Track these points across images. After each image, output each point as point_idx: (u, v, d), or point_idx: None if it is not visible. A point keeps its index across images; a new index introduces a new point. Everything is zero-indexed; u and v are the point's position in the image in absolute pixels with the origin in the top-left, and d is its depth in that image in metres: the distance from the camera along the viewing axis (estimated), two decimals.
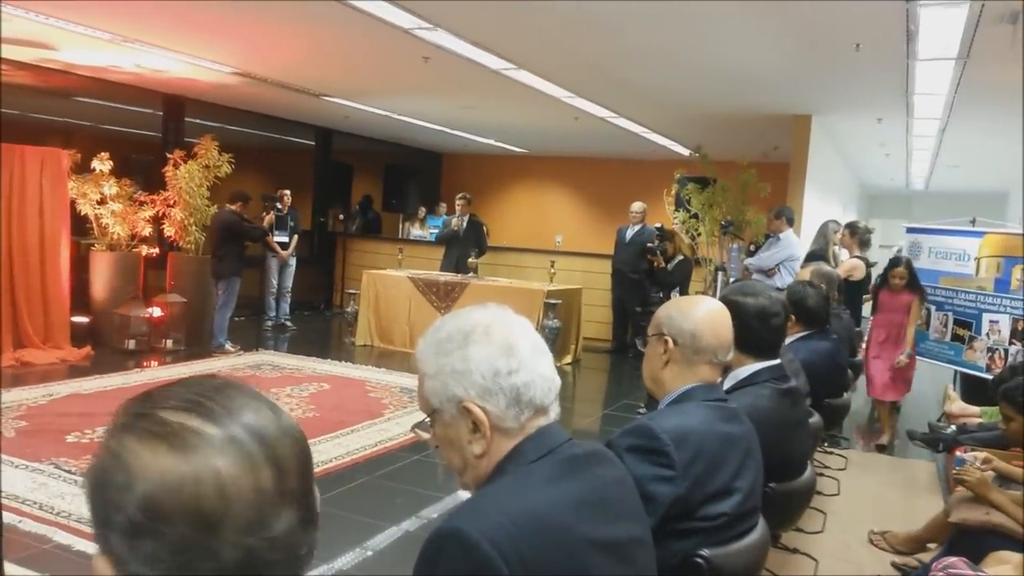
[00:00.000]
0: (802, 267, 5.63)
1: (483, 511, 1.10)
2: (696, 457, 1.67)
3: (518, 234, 13.00)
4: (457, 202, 9.57)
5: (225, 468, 0.65)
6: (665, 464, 1.64)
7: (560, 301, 8.04)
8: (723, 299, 2.42)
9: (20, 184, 6.90)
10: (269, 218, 9.13)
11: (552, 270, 8.89)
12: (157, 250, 8.10)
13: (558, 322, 7.89)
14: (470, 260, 9.28)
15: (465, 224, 9.48)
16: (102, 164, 7.56)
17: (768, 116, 8.06)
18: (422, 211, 12.36)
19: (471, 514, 1.10)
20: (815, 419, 2.98)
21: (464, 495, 1.24)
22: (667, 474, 1.63)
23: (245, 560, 0.65)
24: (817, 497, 3.98)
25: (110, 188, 7.55)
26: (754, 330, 2.35)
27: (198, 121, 9.72)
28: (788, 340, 3.54)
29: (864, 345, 5.97)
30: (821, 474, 4.36)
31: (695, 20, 4.95)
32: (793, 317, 3.55)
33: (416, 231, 12.06)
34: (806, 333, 3.72)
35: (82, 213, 7.53)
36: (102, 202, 7.55)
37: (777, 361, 2.42)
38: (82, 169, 7.55)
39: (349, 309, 9.00)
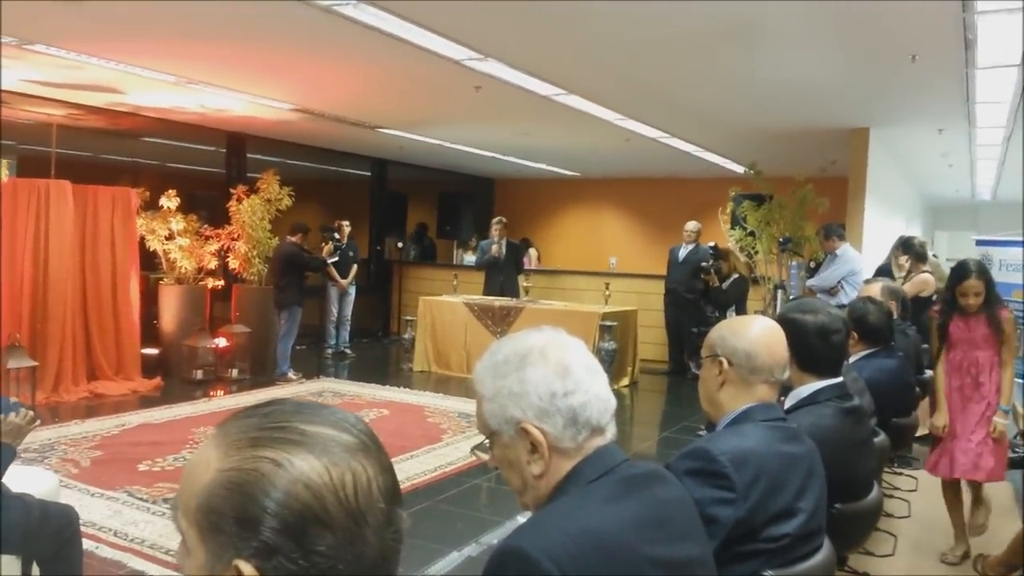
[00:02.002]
0: (867, 283, 5.42)
1: (543, 530, 1.12)
2: (756, 478, 1.65)
3: (572, 257, 13.01)
4: (494, 227, 9.62)
5: (367, 469, 0.72)
6: (725, 486, 1.62)
7: (616, 323, 8.01)
8: (782, 317, 2.40)
9: (93, 222, 7.22)
10: (328, 248, 9.33)
11: (607, 292, 8.87)
12: (222, 282, 8.35)
13: (614, 344, 7.85)
14: (524, 283, 9.32)
15: (504, 249, 9.53)
16: (169, 201, 7.86)
17: (824, 130, 7.94)
18: (474, 239, 12.49)
19: (532, 533, 1.12)
20: (881, 439, 2.90)
21: (524, 519, 1.26)
22: (727, 496, 1.62)
23: (380, 552, 0.72)
24: (887, 519, 3.87)
25: (177, 224, 7.84)
26: (814, 348, 2.32)
27: (259, 157, 10.03)
28: (852, 359, 3.48)
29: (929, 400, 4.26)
30: (890, 496, 4.23)
31: (746, 37, 4.93)
32: (855, 335, 3.48)
33: (469, 257, 12.16)
34: (871, 351, 3.64)
35: (151, 248, 7.83)
36: (170, 237, 7.84)
37: (839, 379, 2.38)
38: (150, 206, 7.87)
39: (406, 335, 9.12)
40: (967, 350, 3.83)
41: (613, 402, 1.27)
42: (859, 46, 5.12)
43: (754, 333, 1.84)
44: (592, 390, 1.24)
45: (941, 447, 3.85)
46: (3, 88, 6.88)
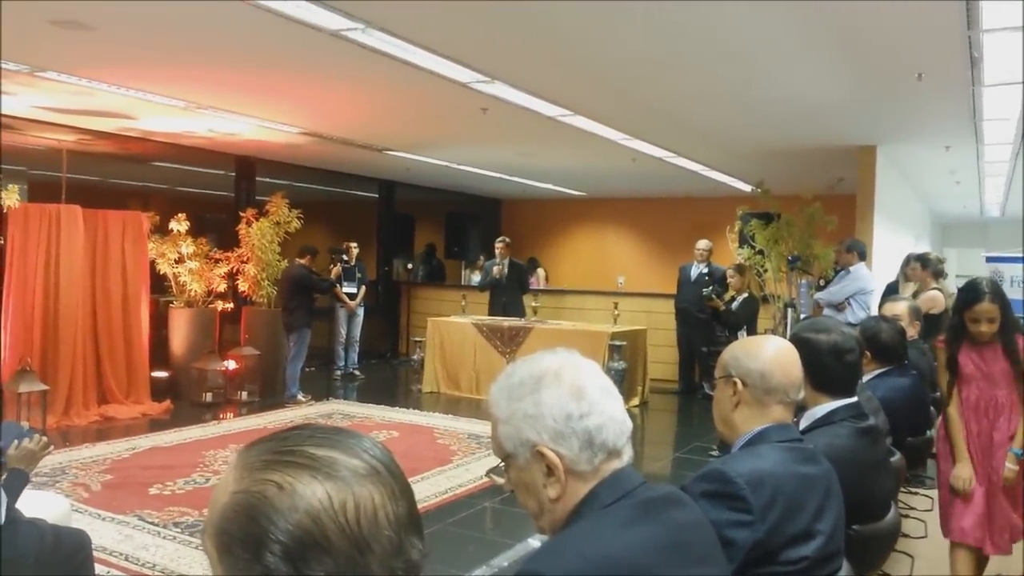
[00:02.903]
0: (883, 301, 5.31)
1: (562, 555, 1.11)
2: (773, 500, 1.63)
3: (580, 277, 13.01)
4: (497, 247, 9.69)
5: (374, 495, 0.71)
6: (742, 508, 1.61)
7: (625, 343, 7.99)
8: (794, 336, 2.39)
9: (103, 246, 7.26)
10: (336, 270, 9.34)
11: (616, 311, 8.84)
12: (232, 305, 8.37)
13: (624, 364, 7.82)
14: (532, 304, 9.33)
15: (507, 269, 9.57)
16: (179, 225, 7.91)
17: (831, 148, 7.94)
18: (481, 259, 12.51)
19: (550, 557, 1.11)
20: (897, 458, 2.87)
21: (535, 543, 1.25)
22: (744, 519, 1.60)
23: None
24: (904, 540, 3.81)
25: (187, 247, 7.88)
26: (829, 367, 2.30)
27: (268, 180, 10.10)
28: (866, 378, 3.44)
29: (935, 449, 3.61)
30: (906, 515, 4.18)
31: (752, 56, 4.95)
32: (868, 354, 3.46)
33: (476, 278, 12.19)
34: (884, 370, 3.60)
35: (161, 272, 7.87)
36: (180, 261, 7.88)
37: (854, 399, 2.36)
38: (160, 230, 7.92)
39: (415, 356, 9.11)
40: (984, 388, 3.20)
41: (629, 424, 1.26)
42: (865, 64, 5.13)
43: (768, 353, 1.83)
44: (607, 412, 1.23)
45: (966, 507, 3.22)
46: (15, 115, 6.96)
